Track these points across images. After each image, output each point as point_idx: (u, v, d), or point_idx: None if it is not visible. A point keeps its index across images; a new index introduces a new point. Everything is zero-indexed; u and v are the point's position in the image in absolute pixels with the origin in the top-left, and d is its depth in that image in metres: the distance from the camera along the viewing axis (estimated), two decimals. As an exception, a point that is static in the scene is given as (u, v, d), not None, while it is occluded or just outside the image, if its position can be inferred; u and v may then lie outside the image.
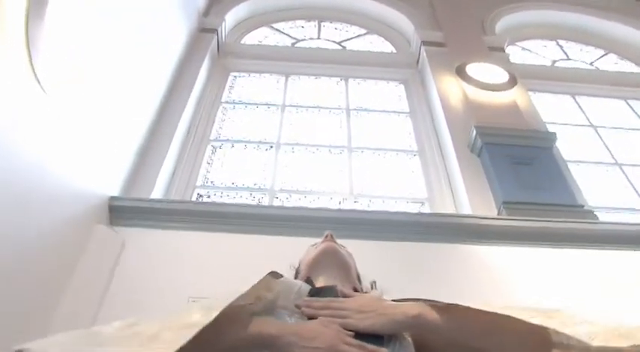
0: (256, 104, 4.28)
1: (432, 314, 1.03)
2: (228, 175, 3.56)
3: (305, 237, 2.79)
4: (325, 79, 4.67)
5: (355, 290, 1.30)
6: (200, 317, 0.96)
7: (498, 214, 3.09)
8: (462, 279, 2.72)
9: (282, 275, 1.27)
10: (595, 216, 3.19)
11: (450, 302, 1.08)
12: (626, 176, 3.95)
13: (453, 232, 2.93)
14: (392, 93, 4.61)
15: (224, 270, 2.63)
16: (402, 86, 4.68)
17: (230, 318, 1.03)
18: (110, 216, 2.85)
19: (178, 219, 2.87)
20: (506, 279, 2.74)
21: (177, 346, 0.82)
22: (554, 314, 0.94)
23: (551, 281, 2.76)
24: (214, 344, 1.01)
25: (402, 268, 2.74)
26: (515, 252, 2.89)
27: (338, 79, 4.69)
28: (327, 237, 1.46)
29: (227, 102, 4.28)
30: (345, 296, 1.16)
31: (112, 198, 2.87)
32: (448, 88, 4.22)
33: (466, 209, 3.21)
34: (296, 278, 1.48)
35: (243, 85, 4.53)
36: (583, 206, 3.27)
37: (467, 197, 3.26)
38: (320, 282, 1.27)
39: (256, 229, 2.85)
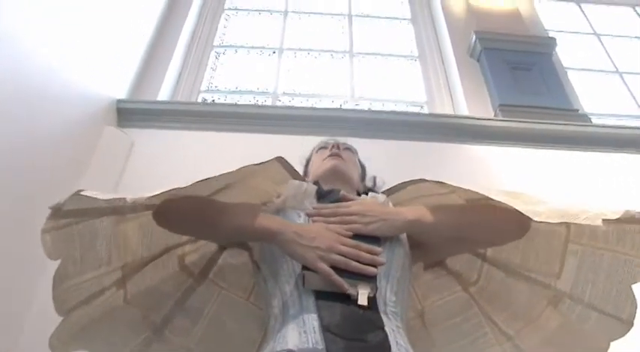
0: (259, 10, 4.26)
1: (428, 217, 1.14)
2: (232, 80, 3.62)
3: (309, 135, 2.90)
4: (328, -15, 4.61)
5: (358, 193, 1.38)
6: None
7: (495, 116, 3.18)
8: (458, 178, 2.76)
9: (287, 162, 1.35)
10: (589, 119, 3.27)
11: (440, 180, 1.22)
12: (625, 83, 3.97)
13: (450, 132, 3.02)
14: (394, -1, 4.56)
15: (229, 168, 2.74)
16: (404, -8, 4.62)
17: (242, 209, 1.17)
18: (118, 118, 2.93)
19: (186, 120, 2.96)
20: (501, 179, 2.84)
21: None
22: (519, 195, 1.10)
23: (543, 182, 2.86)
24: (226, 222, 1.14)
25: (401, 166, 2.82)
26: (510, 153, 3.00)
27: (341, -15, 4.62)
28: (332, 148, 1.51)
29: (230, 8, 4.26)
30: (348, 199, 1.22)
31: (120, 101, 2.94)
32: (451, -7, 4.19)
33: (464, 112, 3.29)
34: (305, 175, 1.58)
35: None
36: (578, 110, 3.34)
37: (465, 101, 3.33)
38: (326, 187, 1.32)
39: (261, 128, 2.94)
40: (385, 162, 2.85)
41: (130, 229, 1.21)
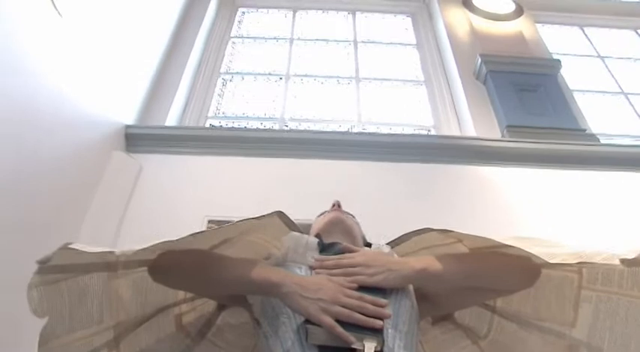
0: (265, 38, 4.33)
1: (436, 266, 1.08)
2: (239, 106, 3.65)
3: (317, 159, 2.92)
4: (333, 13, 4.69)
5: None
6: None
7: (502, 137, 3.18)
8: (466, 199, 2.83)
9: (287, 217, 1.31)
10: (597, 139, 3.27)
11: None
12: (631, 104, 3.98)
13: (458, 154, 3.03)
14: (399, 25, 4.64)
15: (238, 192, 2.76)
16: (409, 19, 4.69)
17: (241, 261, 1.12)
18: (127, 143, 2.95)
19: (193, 145, 2.98)
20: (508, 199, 2.85)
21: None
22: (531, 239, 1.07)
23: (552, 201, 2.87)
24: (226, 275, 1.09)
25: (409, 188, 2.85)
26: (518, 173, 3.00)
27: (345, 12, 4.70)
28: (334, 206, 1.49)
29: (236, 36, 4.33)
30: (350, 251, 1.18)
31: (128, 127, 2.97)
32: (454, 19, 4.26)
33: (471, 134, 3.29)
34: None
35: (251, 21, 4.56)
36: (585, 130, 3.34)
37: (472, 123, 3.34)
38: (327, 240, 1.29)
39: (268, 152, 2.96)
40: (393, 184, 2.87)
41: (123, 286, 1.15)
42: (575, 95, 3.85)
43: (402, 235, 1.36)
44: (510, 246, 1.03)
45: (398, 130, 3.48)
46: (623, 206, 2.86)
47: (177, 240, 0.99)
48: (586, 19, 4.86)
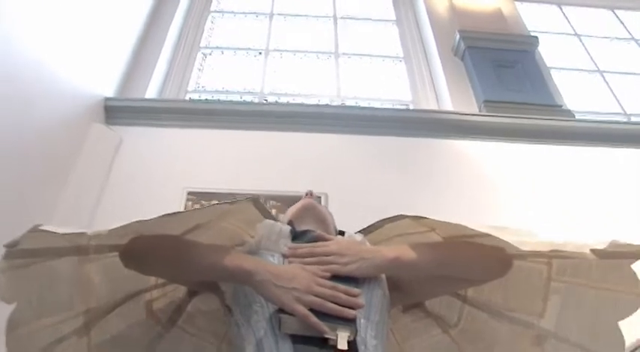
0: (245, 13, 4.30)
1: (408, 255, 1.08)
2: (219, 80, 3.64)
3: (296, 132, 2.94)
4: (313, -11, 4.66)
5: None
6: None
7: (479, 112, 3.22)
8: (443, 172, 2.88)
9: (262, 204, 1.29)
10: (572, 115, 3.33)
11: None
12: (606, 82, 4.05)
13: (435, 128, 3.07)
14: (379, 2, 4.62)
15: (217, 164, 2.77)
16: (389, -5, 4.68)
17: (214, 247, 1.10)
18: (106, 115, 2.95)
19: (173, 118, 2.98)
20: (484, 172, 2.90)
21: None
22: (504, 229, 1.04)
23: (527, 175, 2.93)
24: (198, 261, 1.07)
25: (387, 161, 2.89)
26: (494, 147, 3.05)
27: (326, -12, 4.68)
28: (307, 195, 1.48)
29: (216, 11, 4.30)
30: (323, 239, 1.17)
31: (108, 99, 2.96)
32: (434, -5, 4.27)
33: (449, 109, 3.33)
34: None
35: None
36: (561, 106, 3.40)
37: (450, 98, 3.38)
38: (300, 228, 1.28)
39: (247, 125, 2.97)
40: (372, 157, 2.90)
41: (94, 271, 1.12)
42: (552, 72, 3.90)
43: (375, 222, 1.35)
44: (483, 235, 1.04)
45: (376, 105, 3.50)
46: (596, 180, 2.93)
47: (150, 220, 0.97)
48: (563, -3, 4.91)
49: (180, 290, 1.33)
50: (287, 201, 2.59)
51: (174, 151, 2.83)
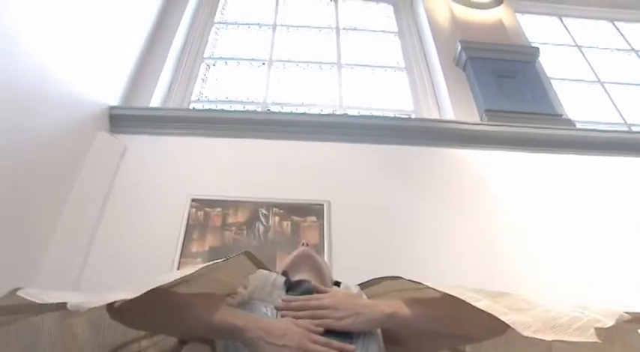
0: (248, 24, 4.34)
1: (405, 311, 1.06)
2: (222, 91, 3.67)
3: (299, 140, 2.97)
4: (316, 0, 4.72)
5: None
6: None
7: (481, 121, 3.25)
8: (445, 180, 2.90)
9: (255, 256, 1.29)
10: (573, 124, 3.35)
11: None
12: (607, 92, 4.08)
13: (437, 136, 3.09)
14: (381, 13, 4.68)
15: (220, 172, 2.80)
16: (390, 7, 4.74)
17: (204, 303, 1.06)
18: (111, 124, 2.97)
19: (177, 126, 3.01)
20: (486, 181, 2.92)
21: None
22: (502, 297, 0.98)
23: (528, 184, 2.94)
24: (187, 319, 1.04)
25: (389, 170, 2.91)
26: (495, 156, 3.07)
27: (328, 0, 4.73)
28: (303, 244, 1.47)
29: (220, 22, 4.34)
30: (318, 291, 1.16)
31: (112, 107, 2.99)
32: (436, 7, 4.32)
33: (450, 118, 3.35)
34: None
35: (234, 6, 4.56)
36: (562, 115, 3.42)
37: (451, 108, 3.40)
38: (295, 278, 1.27)
39: (251, 134, 3.00)
40: (373, 165, 2.93)
41: (79, 325, 1.10)
42: (553, 82, 3.93)
43: (372, 279, 1.34)
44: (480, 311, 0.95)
45: (379, 114, 3.53)
46: (596, 188, 2.95)
47: (138, 285, 0.92)
48: (565, 10, 4.96)
49: (170, 339, 1.30)
50: (290, 208, 2.62)
51: (178, 159, 2.85)
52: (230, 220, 2.58)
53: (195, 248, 2.47)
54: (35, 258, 2.22)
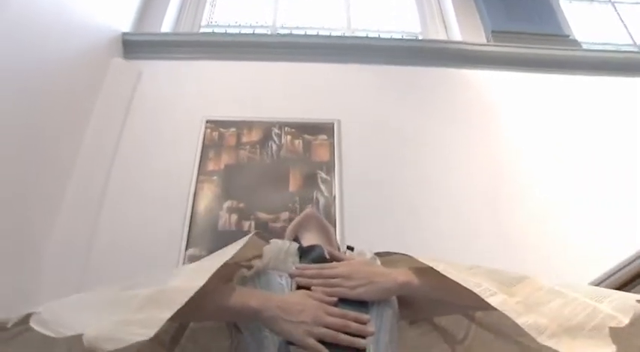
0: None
1: (417, 280, 1.07)
2: (231, 15, 3.70)
3: (308, 62, 3.03)
4: None
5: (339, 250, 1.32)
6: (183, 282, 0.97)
7: (487, 41, 3.28)
8: (450, 100, 2.97)
9: (264, 235, 1.27)
10: (579, 44, 3.37)
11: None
12: (617, 12, 4.05)
13: (444, 57, 3.14)
14: None
15: (233, 93, 2.89)
16: None
17: (218, 288, 1.03)
18: (124, 50, 3.04)
19: (189, 51, 3.08)
20: (492, 101, 2.99)
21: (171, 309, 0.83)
22: (515, 288, 0.96)
23: (534, 105, 3.01)
24: (199, 310, 1.01)
25: (397, 90, 2.98)
26: (502, 77, 3.12)
27: None
28: (309, 207, 1.52)
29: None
30: (332, 256, 1.17)
31: (125, 34, 3.05)
32: None
33: (457, 39, 3.39)
34: None
35: None
36: (568, 35, 3.43)
37: (458, 29, 3.43)
38: (305, 241, 1.28)
39: (262, 56, 3.06)
40: (382, 86, 3.00)
41: None
42: (562, 2, 3.90)
43: (384, 251, 1.31)
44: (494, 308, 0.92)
45: (386, 37, 3.57)
46: (602, 109, 3.00)
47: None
48: None
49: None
50: (301, 127, 2.72)
51: (191, 82, 2.94)
52: (244, 139, 2.69)
53: (211, 166, 2.59)
54: (60, 183, 2.35)
